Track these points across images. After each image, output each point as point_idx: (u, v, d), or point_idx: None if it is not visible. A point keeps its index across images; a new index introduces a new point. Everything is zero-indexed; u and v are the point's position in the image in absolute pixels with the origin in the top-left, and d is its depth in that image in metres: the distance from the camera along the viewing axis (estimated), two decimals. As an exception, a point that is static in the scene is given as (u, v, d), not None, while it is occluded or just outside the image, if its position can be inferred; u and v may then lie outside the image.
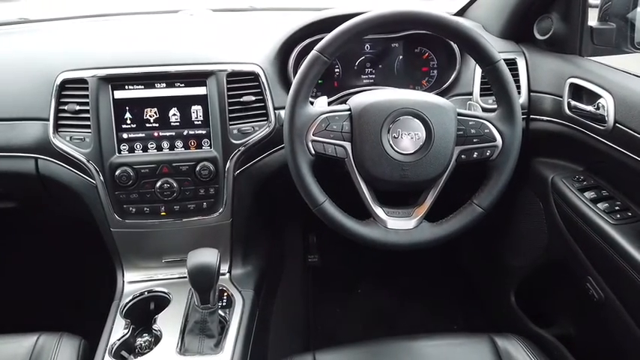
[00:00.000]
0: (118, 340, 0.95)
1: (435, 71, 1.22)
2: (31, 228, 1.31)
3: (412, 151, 0.89)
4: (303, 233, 1.72)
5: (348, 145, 0.89)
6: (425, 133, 0.89)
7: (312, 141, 0.88)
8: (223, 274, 1.13)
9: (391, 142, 0.88)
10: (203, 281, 0.90)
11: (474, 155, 0.91)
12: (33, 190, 1.10)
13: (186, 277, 1.01)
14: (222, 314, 1.01)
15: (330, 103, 1.07)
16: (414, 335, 0.99)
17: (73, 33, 1.28)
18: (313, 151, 0.88)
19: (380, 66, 1.21)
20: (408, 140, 0.88)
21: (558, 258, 1.16)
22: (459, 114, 0.91)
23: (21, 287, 1.40)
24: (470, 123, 0.91)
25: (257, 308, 1.08)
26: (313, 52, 0.87)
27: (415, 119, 0.89)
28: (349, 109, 0.90)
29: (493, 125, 0.91)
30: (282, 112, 0.95)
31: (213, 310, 0.94)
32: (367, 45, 1.20)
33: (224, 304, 1.05)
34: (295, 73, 1.11)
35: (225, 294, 1.07)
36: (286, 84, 1.11)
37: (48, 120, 1.03)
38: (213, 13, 1.46)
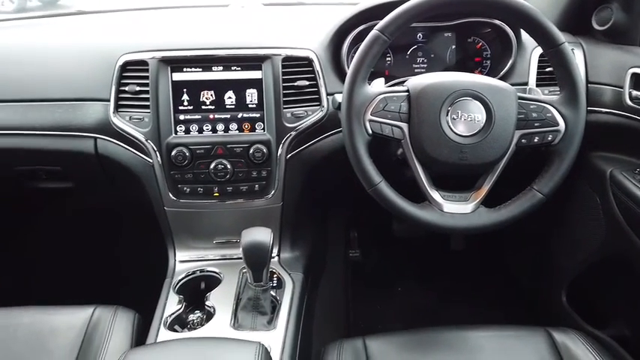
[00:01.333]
0: (171, 315, 0.96)
1: (488, 61, 1.21)
2: (86, 208, 1.35)
3: (471, 134, 0.87)
4: (346, 228, 1.72)
5: (405, 126, 0.89)
6: (485, 116, 0.87)
7: (370, 121, 0.88)
8: (272, 257, 1.13)
9: (450, 123, 0.87)
10: (257, 259, 0.91)
11: (535, 140, 0.89)
12: (90, 170, 1.13)
13: (236, 259, 1.02)
14: (273, 294, 1.01)
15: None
16: (467, 325, 0.97)
17: (130, 21, 1.32)
18: (370, 131, 0.88)
19: (432, 55, 1.21)
20: (467, 122, 0.87)
21: (616, 254, 1.12)
22: (520, 97, 0.90)
23: (77, 263, 1.44)
24: (531, 107, 0.89)
25: (306, 291, 1.08)
26: (373, 32, 0.87)
27: (475, 101, 0.88)
28: (407, 90, 0.90)
29: (556, 109, 0.89)
30: (337, 96, 0.95)
31: (265, 288, 0.94)
32: (419, 34, 1.20)
33: (274, 284, 1.05)
34: (349, 59, 1.13)
35: (275, 275, 1.08)
36: (339, 70, 1.12)
37: (108, 101, 1.06)
38: (264, 6, 1.48)
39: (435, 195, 0.90)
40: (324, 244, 1.55)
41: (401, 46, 1.19)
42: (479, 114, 0.87)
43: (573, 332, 0.94)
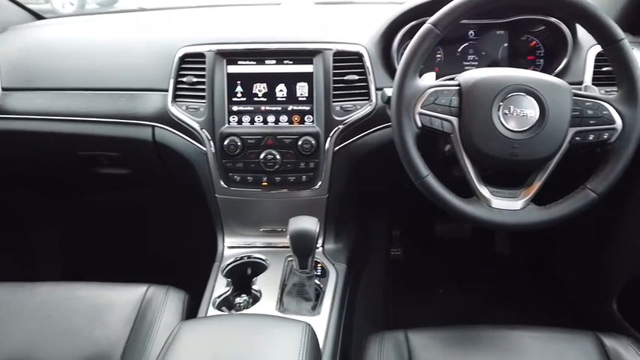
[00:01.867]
0: (219, 296, 1.00)
1: (542, 60, 1.19)
2: (142, 194, 1.42)
3: (523, 129, 0.86)
4: (388, 227, 1.72)
5: (455, 120, 0.89)
6: (538, 112, 0.86)
7: (419, 114, 0.88)
8: (317, 248, 1.16)
9: (501, 118, 0.87)
10: (304, 245, 0.93)
11: (590, 138, 0.87)
12: (147, 157, 1.19)
13: (281, 247, 1.05)
14: (318, 283, 1.03)
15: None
16: (512, 325, 0.96)
17: (188, 17, 1.38)
18: (420, 124, 0.88)
19: (483, 53, 1.20)
20: (519, 118, 0.86)
21: None
22: (576, 94, 0.88)
23: (131, 245, 1.52)
24: (587, 104, 0.88)
25: (349, 283, 1.10)
26: (426, 25, 0.88)
27: (528, 97, 0.87)
28: (458, 85, 0.90)
29: (613, 107, 0.87)
30: (386, 90, 0.96)
31: (310, 275, 0.96)
32: (471, 31, 1.19)
33: (319, 273, 1.07)
34: (399, 55, 1.14)
35: (320, 265, 1.10)
36: (388, 66, 1.13)
37: (167, 91, 1.12)
38: (315, 5, 1.52)
39: (484, 190, 0.90)
40: (367, 241, 1.56)
41: (452, 43, 1.19)
42: (531, 110, 0.86)
43: (625, 338, 0.90)
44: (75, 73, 1.19)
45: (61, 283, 1.02)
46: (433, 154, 1.00)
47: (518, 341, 0.92)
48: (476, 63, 1.20)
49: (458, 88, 0.89)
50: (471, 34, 1.19)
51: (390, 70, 1.12)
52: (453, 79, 0.94)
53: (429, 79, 0.96)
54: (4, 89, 1.18)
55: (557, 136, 0.86)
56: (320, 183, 1.11)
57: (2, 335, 0.91)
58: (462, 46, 1.19)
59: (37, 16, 1.44)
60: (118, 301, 0.97)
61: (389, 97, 0.92)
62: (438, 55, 1.20)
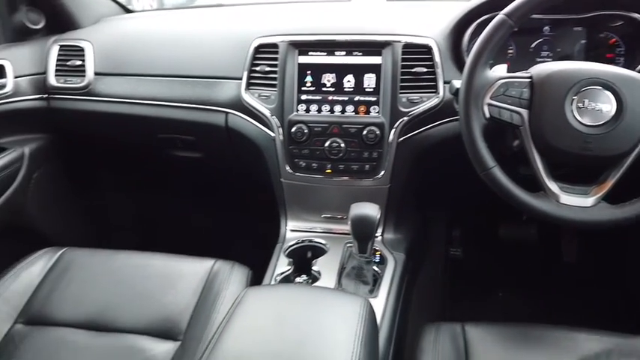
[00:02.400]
0: (281, 274, 1.05)
1: (622, 58, 1.13)
2: (210, 176, 1.50)
3: (597, 124, 0.84)
4: (448, 227, 1.70)
5: (525, 112, 0.87)
6: (615, 107, 0.83)
7: (488, 105, 0.88)
8: (376, 237, 1.17)
9: (575, 112, 0.84)
10: (364, 229, 0.95)
11: None
12: (219, 142, 1.27)
13: (341, 233, 1.07)
14: (376, 269, 1.05)
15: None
16: (576, 327, 0.92)
17: (263, 12, 1.45)
18: (488, 115, 0.88)
19: (558, 50, 1.16)
20: (594, 112, 0.84)
21: None
22: None
23: (200, 223, 1.61)
24: None
25: (407, 272, 1.10)
26: (500, 16, 0.87)
27: (605, 91, 0.84)
28: (530, 77, 0.88)
29: None
30: (454, 82, 0.96)
31: (369, 259, 0.98)
32: (546, 27, 1.16)
33: (377, 260, 1.09)
34: (469, 48, 1.14)
35: (378, 253, 1.11)
36: (458, 59, 1.13)
37: (241, 79, 1.18)
38: (386, 1, 1.53)
39: (552, 186, 0.87)
40: (426, 236, 1.55)
41: (525, 38, 1.16)
42: (608, 104, 0.83)
43: None
44: (158, 62, 1.29)
45: (137, 252, 1.10)
46: (500, 151, 0.99)
47: (583, 344, 0.88)
48: (549, 60, 1.17)
49: (530, 80, 0.88)
50: (546, 29, 1.16)
51: (459, 64, 1.12)
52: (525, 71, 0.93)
53: (500, 70, 0.95)
54: (96, 74, 1.30)
55: (634, 132, 0.83)
56: (382, 173, 1.13)
57: (83, 294, 1.01)
58: (536, 42, 1.16)
59: (126, 10, 1.56)
60: (187, 271, 1.03)
61: (457, 89, 0.93)
62: (510, 50, 1.18)
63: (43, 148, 1.35)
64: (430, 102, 1.09)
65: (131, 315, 0.95)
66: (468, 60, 0.89)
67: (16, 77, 1.26)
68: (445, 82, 1.10)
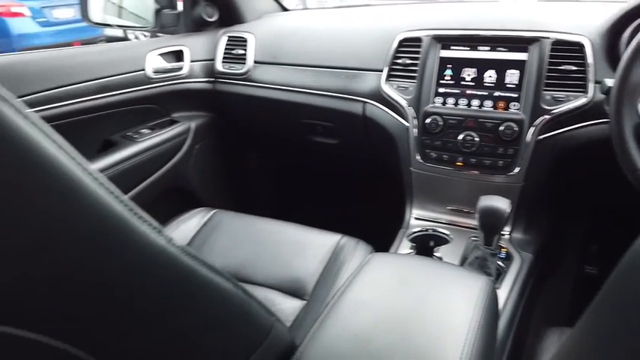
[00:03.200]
0: (403, 256, 1.09)
1: None
2: (342, 161, 1.60)
3: None
4: (585, 240, 1.58)
5: (688, 113, 0.81)
6: None
7: (644, 103, 0.83)
8: (503, 235, 1.16)
9: None
10: (492, 222, 0.95)
11: None
12: (354, 129, 1.35)
13: (466, 227, 1.08)
14: (500, 264, 1.04)
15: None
16: None
17: (409, 9, 1.51)
18: (642, 114, 0.83)
19: None
20: None
21: None
22: None
23: (329, 203, 1.73)
24: None
25: (533, 273, 1.07)
26: None
27: None
28: None
29: None
30: (607, 80, 0.92)
31: (494, 252, 0.98)
32: None
33: (502, 256, 1.07)
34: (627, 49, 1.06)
35: (505, 250, 1.10)
36: (612, 59, 1.06)
37: (381, 71, 1.25)
38: (537, 2, 1.49)
39: None
40: (559, 246, 1.47)
41: None
42: None
43: None
44: (308, 53, 1.42)
45: (274, 220, 1.23)
46: None
47: None
48: None
49: None
50: None
51: (614, 64, 1.05)
52: None
53: None
54: (255, 62, 1.47)
55: None
56: (517, 170, 1.11)
57: (227, 249, 1.15)
58: None
59: (284, 8, 1.73)
60: (316, 242, 1.13)
61: (609, 88, 0.89)
62: None
63: (205, 124, 1.57)
64: (577, 101, 1.05)
65: (266, 272, 1.07)
66: (625, 55, 0.85)
67: (191, 62, 1.49)
68: (596, 82, 1.04)
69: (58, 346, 0.33)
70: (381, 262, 0.75)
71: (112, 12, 1.61)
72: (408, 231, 1.19)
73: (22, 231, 0.31)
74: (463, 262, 1.03)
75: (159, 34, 1.67)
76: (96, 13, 1.53)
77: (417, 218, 1.25)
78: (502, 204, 0.96)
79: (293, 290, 1.02)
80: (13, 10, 5.02)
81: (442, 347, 0.56)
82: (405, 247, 1.12)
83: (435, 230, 1.19)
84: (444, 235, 1.17)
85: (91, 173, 0.35)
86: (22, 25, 5.03)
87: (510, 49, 1.11)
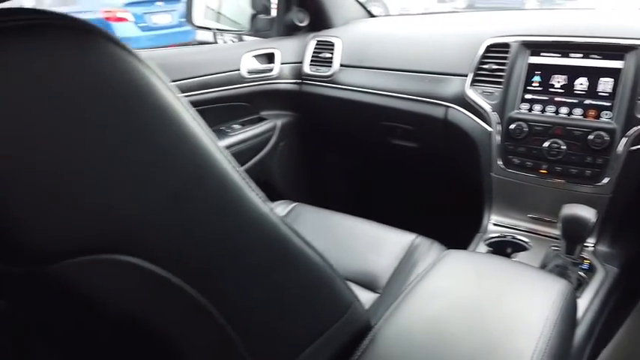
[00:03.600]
0: (478, 259, 1.09)
1: None
2: (420, 164, 1.62)
3: None
4: None
5: None
6: None
7: None
8: (587, 247, 1.12)
9: None
10: (576, 230, 0.93)
11: None
12: (435, 132, 1.37)
13: (546, 236, 1.06)
14: (582, 274, 1.01)
15: None
16: None
17: (494, 15, 1.50)
18: None
19: None
20: None
21: None
22: None
23: (406, 205, 1.76)
24: None
25: (618, 288, 1.03)
26: None
27: None
28: None
29: None
30: None
31: (576, 262, 0.96)
32: None
33: (585, 267, 1.04)
34: None
35: (588, 261, 1.06)
36: None
37: (466, 76, 1.26)
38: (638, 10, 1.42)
39: None
40: None
41: None
42: None
43: None
44: (392, 58, 1.45)
45: (350, 216, 1.28)
46: None
47: None
48: None
49: None
50: None
51: None
52: None
53: None
54: (341, 65, 1.54)
55: None
56: (606, 180, 1.07)
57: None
58: None
59: (371, 15, 1.78)
60: (392, 239, 1.16)
61: None
62: None
63: (290, 123, 1.66)
64: (676, 112, 1.00)
65: (341, 263, 1.11)
66: None
67: (281, 64, 1.58)
68: None
69: (175, 282, 0.40)
70: (457, 258, 0.77)
71: (212, 17, 1.76)
72: (485, 236, 1.19)
73: (170, 181, 0.38)
74: (543, 267, 1.01)
75: (244, 38, 1.79)
76: (198, 18, 1.68)
77: (496, 224, 1.24)
78: (587, 213, 0.94)
79: (367, 282, 1.06)
80: (119, 15, 5.53)
81: (516, 339, 0.58)
82: (481, 250, 1.12)
83: (514, 237, 1.18)
84: (522, 243, 1.15)
85: (214, 142, 0.42)
86: (125, 29, 5.51)
87: (605, 57, 1.08)
